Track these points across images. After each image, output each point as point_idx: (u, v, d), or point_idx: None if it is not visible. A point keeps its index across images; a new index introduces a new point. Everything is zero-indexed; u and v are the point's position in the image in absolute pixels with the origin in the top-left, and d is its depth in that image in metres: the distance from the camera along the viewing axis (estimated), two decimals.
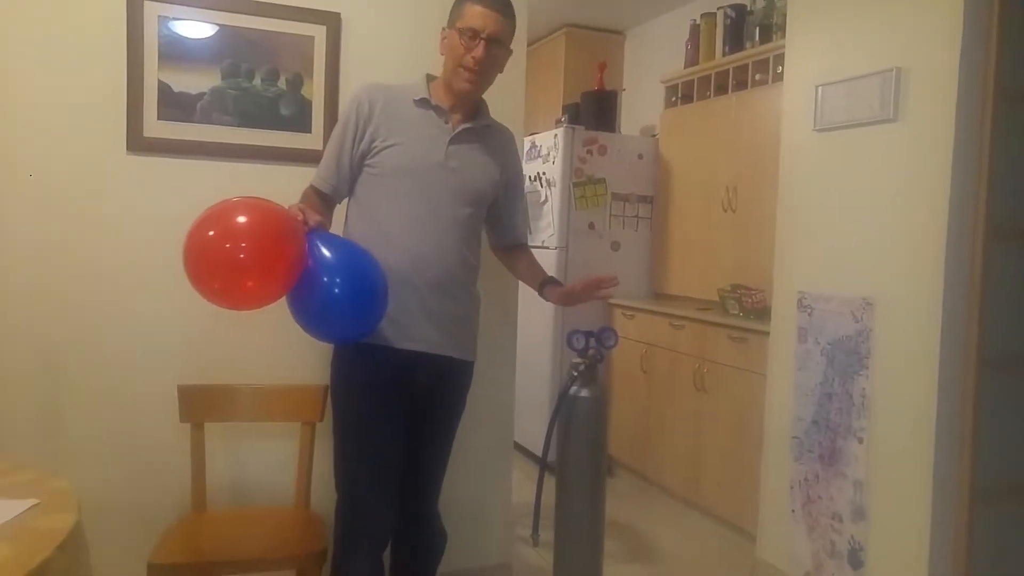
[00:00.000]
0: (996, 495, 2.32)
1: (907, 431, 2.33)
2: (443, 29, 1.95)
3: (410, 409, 1.96)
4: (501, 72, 1.98)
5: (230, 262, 1.54)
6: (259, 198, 1.66)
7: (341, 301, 1.65)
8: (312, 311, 1.67)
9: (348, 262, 1.70)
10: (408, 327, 1.88)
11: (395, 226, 1.89)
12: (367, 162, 1.92)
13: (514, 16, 1.95)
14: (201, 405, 2.13)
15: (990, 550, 2.32)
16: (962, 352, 2.26)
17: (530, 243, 4.34)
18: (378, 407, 1.90)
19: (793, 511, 2.72)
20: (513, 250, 2.22)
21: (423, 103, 1.94)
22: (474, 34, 1.86)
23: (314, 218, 1.70)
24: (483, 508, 2.62)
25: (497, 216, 2.11)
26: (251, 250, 1.55)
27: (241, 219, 1.58)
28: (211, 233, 1.56)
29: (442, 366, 1.97)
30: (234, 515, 2.21)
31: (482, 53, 1.87)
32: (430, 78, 2.01)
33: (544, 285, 2.12)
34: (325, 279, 1.64)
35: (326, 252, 1.66)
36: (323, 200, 1.97)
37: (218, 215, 1.59)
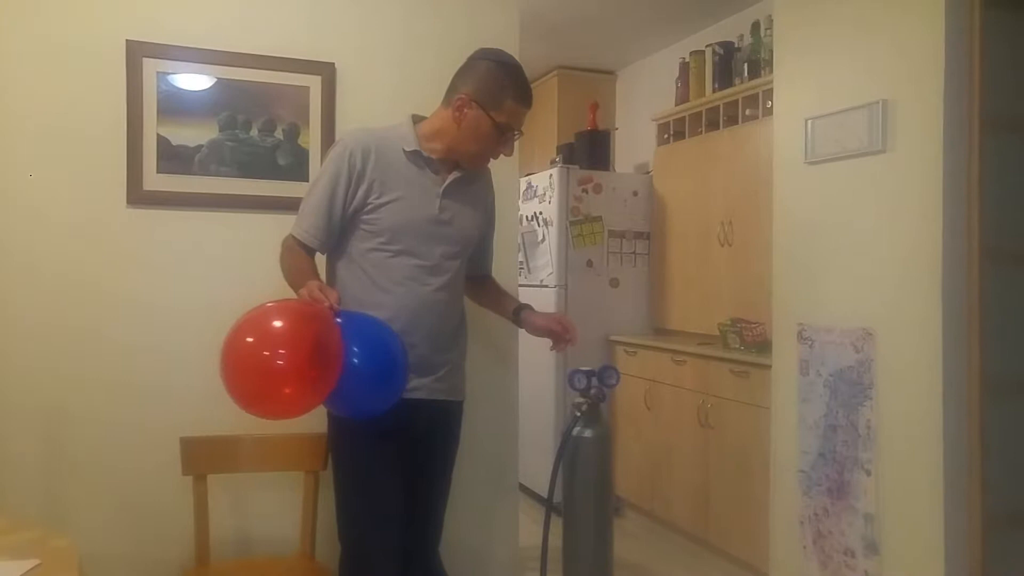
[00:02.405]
0: (1009, 522, 2.29)
1: (915, 461, 2.31)
2: (464, 96, 1.86)
3: (409, 457, 1.95)
4: None
5: (273, 371, 1.53)
6: (286, 301, 1.67)
7: (367, 379, 1.64)
8: (338, 389, 1.63)
9: (375, 341, 1.70)
10: (408, 380, 1.86)
11: (394, 285, 1.87)
12: (363, 218, 1.87)
13: None
14: (203, 457, 2.11)
15: None
16: (965, 378, 2.26)
17: (530, 282, 4.37)
18: (381, 460, 1.88)
19: (804, 547, 2.68)
20: (478, 279, 2.19)
21: (415, 156, 1.90)
22: (511, 131, 1.91)
23: (334, 297, 1.69)
24: (489, 552, 2.59)
25: (473, 250, 2.10)
26: (288, 358, 1.53)
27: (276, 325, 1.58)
28: (265, 353, 1.55)
29: (437, 410, 1.97)
30: (239, 567, 2.18)
31: (513, 149, 1.94)
32: (416, 119, 1.97)
33: (520, 311, 2.13)
34: (353, 357, 1.62)
35: (352, 331, 1.65)
36: (307, 253, 1.92)
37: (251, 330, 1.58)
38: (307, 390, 1.55)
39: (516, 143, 2.00)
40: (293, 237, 1.92)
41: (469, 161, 1.95)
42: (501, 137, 1.90)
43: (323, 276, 1.96)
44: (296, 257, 1.89)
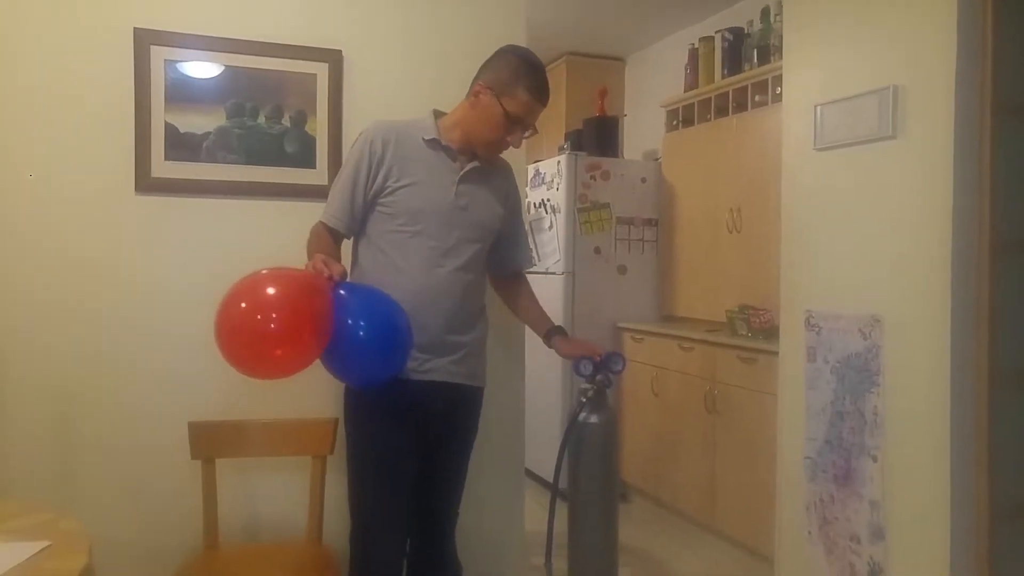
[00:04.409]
0: (1016, 511, 2.29)
1: (922, 448, 2.30)
2: (481, 83, 1.94)
3: (424, 439, 1.97)
4: None
5: (258, 332, 1.59)
6: (279, 268, 1.71)
7: (366, 344, 1.70)
8: (339, 355, 1.71)
9: (374, 308, 1.75)
10: (422, 360, 1.91)
11: (410, 264, 1.91)
12: (380, 201, 1.94)
13: None
14: (212, 441, 2.13)
15: (1013, 568, 2.29)
16: (973, 366, 2.25)
17: (537, 269, 4.36)
18: (394, 440, 1.91)
19: (810, 533, 2.69)
20: (512, 281, 2.23)
21: (433, 144, 1.96)
22: (521, 125, 1.93)
23: (337, 269, 1.75)
24: (496, 537, 2.60)
25: (497, 245, 2.13)
26: (279, 320, 1.60)
27: (267, 291, 1.64)
28: (243, 306, 1.62)
29: (455, 394, 2.00)
30: (247, 551, 2.20)
31: (520, 143, 1.96)
32: (437, 114, 2.03)
33: (551, 335, 2.18)
34: (349, 321, 1.69)
35: (352, 300, 1.72)
36: (334, 237, 1.99)
37: (243, 291, 1.64)
38: (297, 352, 1.63)
39: (525, 138, 2.03)
40: (320, 222, 2.00)
41: (480, 148, 1.98)
42: (511, 127, 1.93)
43: (347, 263, 1.99)
44: (319, 240, 1.97)
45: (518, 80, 1.91)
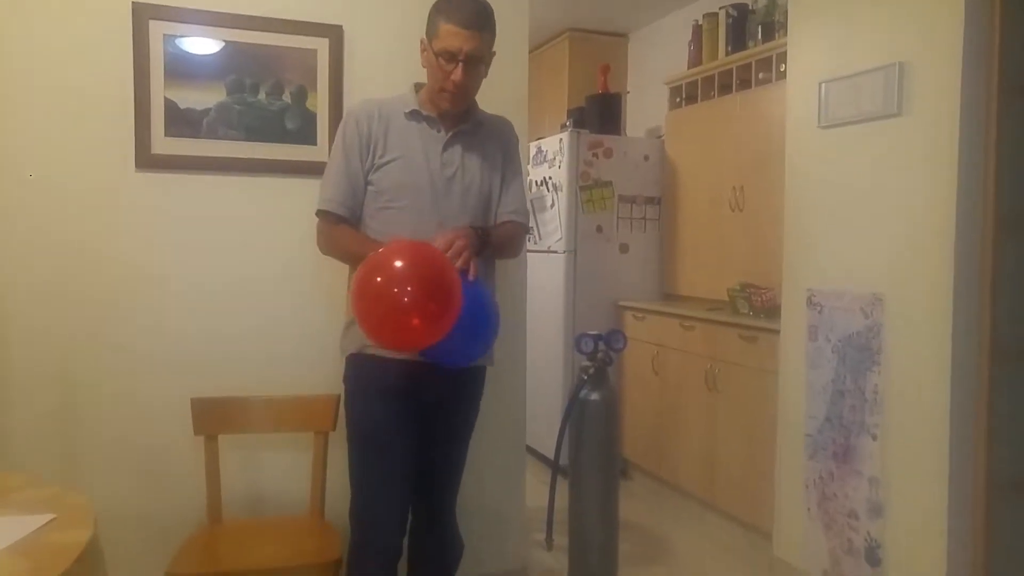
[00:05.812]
0: (1014, 488, 2.30)
1: (921, 426, 2.31)
2: (422, 40, 1.91)
3: (424, 418, 1.97)
4: (486, 76, 1.94)
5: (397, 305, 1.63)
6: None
7: (470, 321, 1.71)
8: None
9: (471, 288, 1.76)
10: None
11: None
12: (368, 179, 1.92)
13: (492, 25, 1.87)
14: (214, 417, 2.14)
15: (1009, 545, 2.30)
16: (974, 344, 2.25)
17: (539, 247, 4.33)
18: (392, 418, 1.91)
19: (809, 509, 2.71)
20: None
21: (414, 115, 1.94)
22: (451, 56, 1.82)
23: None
24: (497, 513, 2.63)
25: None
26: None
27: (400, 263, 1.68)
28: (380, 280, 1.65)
29: (456, 373, 1.98)
30: (250, 526, 2.22)
31: (460, 77, 1.83)
32: (418, 87, 1.99)
33: None
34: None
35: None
36: (349, 225, 1.95)
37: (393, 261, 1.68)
38: (435, 323, 1.66)
39: (484, 77, 1.91)
40: (321, 214, 1.95)
41: (438, 101, 1.91)
42: (445, 65, 1.84)
43: None
44: (339, 232, 1.94)
45: (438, 15, 1.84)
